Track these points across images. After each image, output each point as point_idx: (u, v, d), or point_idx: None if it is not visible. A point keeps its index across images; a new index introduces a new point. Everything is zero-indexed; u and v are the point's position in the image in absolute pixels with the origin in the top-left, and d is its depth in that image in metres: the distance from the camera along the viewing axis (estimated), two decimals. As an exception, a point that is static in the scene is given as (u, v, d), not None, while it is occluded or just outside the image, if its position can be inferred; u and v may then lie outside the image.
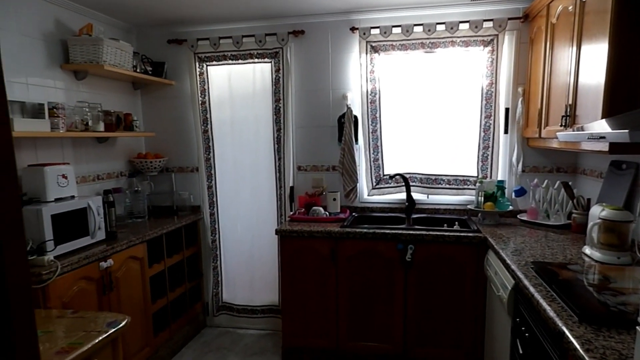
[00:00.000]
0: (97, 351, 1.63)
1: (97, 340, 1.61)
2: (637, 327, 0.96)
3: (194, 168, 3.52)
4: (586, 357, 1.15)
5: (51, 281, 2.03)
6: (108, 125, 2.88)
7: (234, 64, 3.30)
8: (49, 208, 2.20)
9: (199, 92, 3.35)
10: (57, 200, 2.36)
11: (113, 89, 3.19)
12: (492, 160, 3.03)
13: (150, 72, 3.27)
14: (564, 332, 1.31)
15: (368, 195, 3.29)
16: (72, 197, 2.47)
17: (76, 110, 2.68)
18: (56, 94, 2.66)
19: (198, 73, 3.33)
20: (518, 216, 2.96)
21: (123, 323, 1.77)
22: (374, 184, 3.26)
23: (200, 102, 3.36)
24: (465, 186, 3.11)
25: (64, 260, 2.15)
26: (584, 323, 1.34)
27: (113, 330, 1.70)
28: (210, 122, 3.40)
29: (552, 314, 1.43)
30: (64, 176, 2.41)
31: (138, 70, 3.15)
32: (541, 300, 1.54)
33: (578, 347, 1.21)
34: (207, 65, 3.34)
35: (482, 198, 2.91)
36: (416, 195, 3.18)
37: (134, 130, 3.17)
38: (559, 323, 1.36)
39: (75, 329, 1.69)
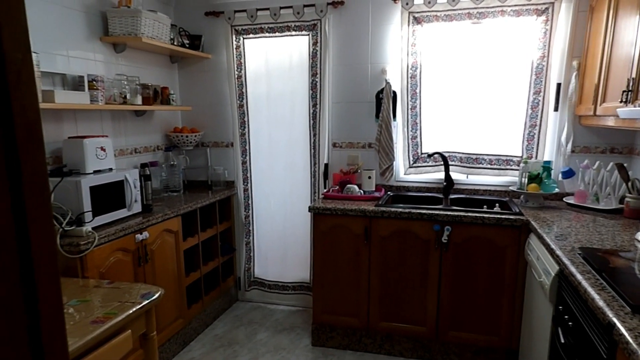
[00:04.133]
0: (132, 321, 1.66)
1: (131, 311, 1.63)
2: None
3: (229, 143, 3.52)
4: (639, 351, 1.05)
5: (89, 251, 2.07)
6: (145, 98, 2.90)
7: (271, 36, 3.23)
8: (87, 180, 2.24)
9: (235, 65, 3.31)
10: (96, 172, 2.40)
11: (151, 62, 3.20)
12: (538, 139, 2.86)
13: (187, 45, 3.26)
14: (614, 324, 1.20)
15: (404, 174, 3.19)
16: (110, 169, 2.50)
17: (115, 83, 2.70)
18: (96, 67, 2.69)
19: (235, 46, 3.29)
20: (564, 199, 2.79)
21: (157, 295, 1.79)
22: (411, 162, 3.15)
23: (236, 76, 3.32)
24: (508, 166, 2.96)
25: (102, 232, 2.19)
26: (638, 314, 1.24)
27: (147, 301, 1.72)
28: (246, 96, 3.37)
29: (601, 303, 1.33)
30: (102, 149, 2.45)
31: (175, 43, 3.14)
32: (589, 289, 1.43)
33: (630, 340, 1.11)
34: (243, 38, 3.29)
35: (526, 179, 2.76)
36: (455, 175, 3.06)
37: (170, 104, 3.18)
38: (609, 313, 1.26)
39: (111, 299, 1.72)
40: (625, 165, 2.49)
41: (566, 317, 1.67)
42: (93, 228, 2.19)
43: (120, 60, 2.90)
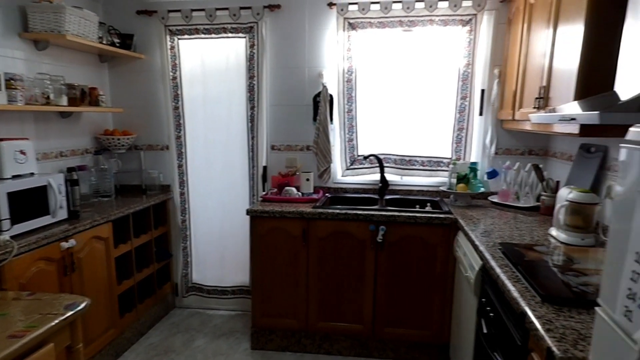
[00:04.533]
0: (54, 334, 1.57)
1: (53, 323, 1.55)
2: (596, 308, 0.96)
3: (164, 146, 3.42)
4: (546, 337, 1.15)
5: (7, 262, 1.94)
6: (72, 99, 2.75)
7: (207, 38, 3.18)
8: (5, 185, 2.09)
9: (170, 66, 3.22)
10: (15, 177, 2.25)
11: (77, 61, 3.04)
12: (466, 141, 3.03)
13: (117, 45, 3.13)
14: (526, 312, 1.31)
15: (342, 176, 3.26)
16: (32, 174, 2.36)
17: (36, 83, 2.54)
18: (14, 65, 2.51)
19: (169, 47, 3.20)
20: (489, 198, 2.98)
21: (82, 305, 1.70)
22: (348, 164, 3.23)
23: (171, 78, 3.24)
24: (439, 168, 3.11)
25: (22, 240, 2.05)
26: (547, 303, 1.35)
27: (71, 312, 1.64)
28: (182, 98, 3.29)
29: (516, 294, 1.44)
30: (22, 152, 2.30)
31: (104, 42, 3.01)
32: (506, 281, 1.55)
33: (539, 327, 1.21)
34: (178, 39, 3.21)
35: (455, 180, 2.91)
36: (390, 177, 3.17)
37: (100, 106, 3.04)
38: (522, 303, 1.36)
39: (32, 312, 1.62)
40: (540, 166, 2.70)
41: (488, 308, 1.79)
42: (12, 236, 2.05)
43: (43, 58, 2.73)
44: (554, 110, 1.80)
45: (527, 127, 2.40)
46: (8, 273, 1.96)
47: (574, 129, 1.73)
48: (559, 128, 1.92)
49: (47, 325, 1.52)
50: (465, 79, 2.94)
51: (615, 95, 1.45)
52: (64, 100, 2.67)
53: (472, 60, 2.90)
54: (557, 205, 2.05)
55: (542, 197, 2.59)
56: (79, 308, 1.67)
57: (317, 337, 2.88)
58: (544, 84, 2.08)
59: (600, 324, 0.93)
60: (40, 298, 1.74)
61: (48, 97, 2.58)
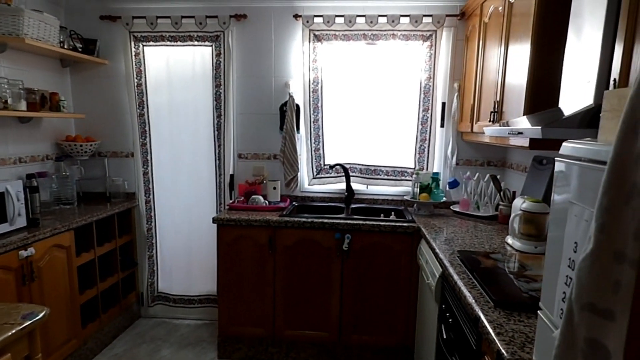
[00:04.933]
0: (11, 344, 1.54)
1: (10, 333, 1.51)
2: (538, 311, 1.03)
3: (128, 153, 3.37)
4: (496, 340, 1.22)
5: (-40, 272, 1.88)
6: (31, 104, 2.68)
7: (173, 45, 3.17)
8: (-41, 193, 2.03)
9: (135, 73, 3.19)
10: (-30, 184, 2.18)
11: (37, 65, 2.97)
12: (428, 152, 3.13)
13: (80, 49, 3.08)
14: (479, 317, 1.38)
15: (309, 185, 3.30)
16: (-12, 181, 2.29)
17: (-6, 87, 2.47)
18: (-30, 69, 2.45)
19: (134, 53, 3.17)
20: (451, 207, 3.08)
21: (41, 315, 1.67)
22: (315, 173, 3.27)
23: (135, 84, 3.21)
24: (403, 177, 3.20)
25: (-23, 249, 1.99)
26: (499, 308, 1.43)
27: (29, 322, 1.60)
28: (147, 105, 3.26)
29: (471, 300, 1.51)
30: (-22, 158, 2.23)
31: (66, 47, 2.95)
32: (463, 287, 1.62)
33: (490, 330, 1.28)
34: (143, 46, 3.19)
35: (418, 189, 3.00)
36: (356, 186, 3.23)
37: (61, 111, 2.97)
38: (476, 308, 1.43)
39: (-13, 322, 1.57)
40: (498, 177, 2.83)
41: (447, 314, 1.86)
42: (-34, 247, 1.99)
43: (1, 61, 2.66)
44: (507, 124, 1.90)
45: (485, 139, 2.51)
46: (-39, 284, 1.89)
47: (525, 142, 1.83)
48: (512, 141, 2.03)
49: (3, 335, 1.48)
50: (427, 92, 3.04)
51: (560, 112, 1.55)
52: (23, 105, 2.61)
53: (433, 74, 3.01)
54: (512, 215, 2.16)
55: (500, 207, 2.71)
56: (37, 317, 1.64)
57: (284, 345, 2.89)
58: (498, 98, 2.20)
59: (542, 326, 1.00)
60: (-4, 309, 1.69)
61: (6, 102, 2.51)
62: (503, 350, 1.17)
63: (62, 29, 2.89)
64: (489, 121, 2.26)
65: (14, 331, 1.53)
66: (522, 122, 1.68)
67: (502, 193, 2.73)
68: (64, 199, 3.03)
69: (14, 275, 2.19)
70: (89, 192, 3.35)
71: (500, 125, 1.97)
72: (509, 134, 1.60)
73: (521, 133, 1.49)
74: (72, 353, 2.66)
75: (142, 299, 3.50)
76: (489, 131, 1.91)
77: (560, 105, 1.60)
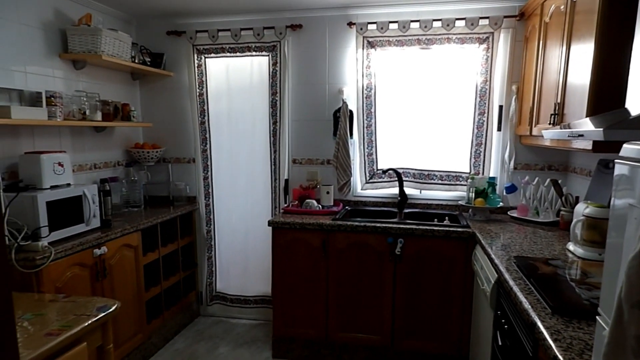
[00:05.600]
0: (87, 334, 1.68)
1: (86, 324, 1.66)
2: (597, 317, 1.00)
3: (190, 159, 3.57)
4: (553, 346, 1.19)
5: (45, 266, 2.08)
6: (106, 114, 2.92)
7: (232, 56, 3.33)
8: (44, 195, 2.25)
9: (197, 83, 3.38)
10: (53, 187, 2.40)
11: (111, 79, 3.23)
12: (484, 156, 3.06)
13: (148, 63, 3.31)
14: (535, 323, 1.34)
15: (361, 189, 3.32)
16: (68, 184, 2.51)
17: (74, 100, 2.72)
18: (55, 83, 2.70)
19: (196, 65, 3.36)
20: (508, 213, 2.99)
21: (113, 308, 1.81)
22: (368, 178, 3.29)
23: (198, 94, 3.39)
24: (458, 182, 3.14)
25: (58, 247, 2.19)
26: (557, 315, 1.38)
27: (103, 314, 1.75)
28: (208, 113, 3.43)
29: (527, 305, 1.47)
30: (60, 164, 2.46)
31: (136, 61, 3.19)
32: (519, 293, 1.58)
33: (547, 336, 1.24)
34: (205, 57, 3.37)
35: (473, 194, 2.94)
36: (409, 190, 3.21)
37: (131, 121, 3.21)
38: (532, 314, 1.40)
39: (66, 313, 1.73)
40: (559, 181, 2.71)
41: (503, 321, 1.81)
42: (50, 243, 2.20)
43: (81, 76, 2.92)
44: (568, 126, 1.84)
45: (545, 142, 2.42)
46: (45, 277, 2.09)
47: (587, 144, 1.76)
48: (575, 144, 1.95)
49: (80, 326, 1.63)
50: (483, 95, 2.98)
51: (626, 112, 1.48)
52: (99, 116, 2.84)
53: (490, 77, 2.94)
54: (574, 220, 2.07)
55: (562, 213, 2.59)
56: (110, 310, 1.78)
57: (337, 347, 2.92)
58: (559, 100, 2.12)
59: (600, 331, 0.97)
60: (74, 300, 1.86)
61: (84, 113, 2.75)
62: (560, 357, 1.14)
63: (133, 45, 3.12)
64: (549, 124, 2.18)
65: (89, 322, 1.68)
66: (585, 124, 1.62)
67: (563, 198, 2.62)
68: (132, 202, 3.26)
69: (89, 271, 2.39)
70: (154, 195, 3.57)
71: (561, 128, 1.90)
72: (569, 136, 1.55)
73: (582, 135, 1.44)
74: (138, 346, 2.84)
75: (201, 298, 3.67)
76: (548, 134, 1.85)
77: (627, 105, 1.53)
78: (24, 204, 2.18)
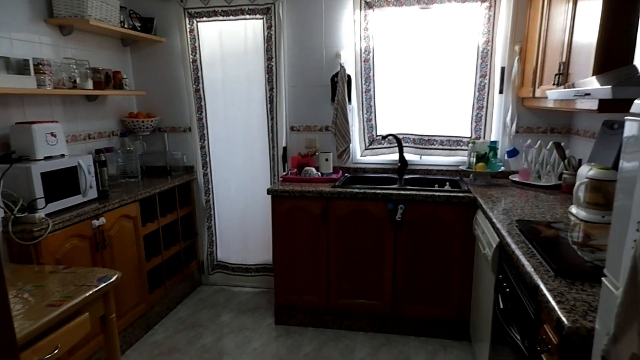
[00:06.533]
0: (89, 304, 1.68)
1: (87, 294, 1.66)
2: (603, 279, 0.98)
3: (186, 128, 3.50)
4: (556, 308, 1.18)
5: (43, 238, 2.06)
6: (97, 83, 2.84)
7: (225, 19, 3.22)
8: (38, 166, 2.20)
9: (190, 49, 3.28)
10: (47, 158, 2.36)
11: (101, 45, 3.12)
12: (485, 120, 3.01)
13: (138, 28, 3.20)
14: (538, 286, 1.33)
15: (361, 156, 3.28)
16: (62, 155, 2.46)
17: (63, 67, 2.63)
18: (42, 50, 2.61)
19: (188, 30, 3.25)
20: (510, 177, 2.96)
21: (114, 278, 1.81)
22: (367, 144, 3.25)
23: (191, 60, 3.30)
24: (458, 147, 3.10)
25: (56, 218, 2.17)
26: (559, 277, 1.37)
27: (104, 284, 1.75)
28: (202, 81, 3.35)
29: (529, 269, 1.46)
30: (52, 134, 2.40)
31: (126, 26, 3.08)
32: (521, 257, 1.57)
33: (550, 299, 1.24)
34: (197, 22, 3.25)
35: (474, 159, 2.91)
36: (409, 156, 3.17)
37: (123, 89, 3.13)
38: (535, 277, 1.39)
39: (67, 284, 1.73)
40: (562, 144, 2.67)
41: (505, 284, 1.81)
42: (47, 214, 2.17)
43: (68, 43, 2.82)
44: (573, 86, 1.78)
45: (548, 104, 2.37)
46: (44, 249, 2.08)
47: (593, 105, 1.71)
48: (579, 105, 1.90)
49: (81, 296, 1.63)
50: (485, 57, 2.90)
51: (634, 69, 1.43)
52: (90, 84, 2.76)
53: (492, 37, 2.85)
54: (577, 183, 2.04)
55: (564, 176, 2.57)
56: (111, 280, 1.78)
57: (339, 314, 2.95)
58: (564, 59, 2.05)
59: (606, 292, 0.96)
60: (74, 271, 1.86)
61: (74, 81, 2.67)
62: (563, 318, 1.13)
63: (121, 9, 3.01)
64: (553, 84, 2.12)
65: (91, 292, 1.67)
66: (591, 83, 1.57)
67: (566, 161, 2.58)
68: (129, 172, 3.22)
69: (88, 242, 2.38)
70: (151, 166, 3.53)
71: (565, 88, 1.84)
72: (574, 96, 1.50)
73: (589, 94, 1.39)
74: (141, 316, 2.87)
75: (202, 268, 3.69)
76: (552, 94, 1.80)
77: (636, 62, 1.47)
78: (18, 175, 2.15)
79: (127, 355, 2.69)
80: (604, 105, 1.68)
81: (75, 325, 1.59)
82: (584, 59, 1.84)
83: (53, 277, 1.81)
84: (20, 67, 2.39)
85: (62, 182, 2.34)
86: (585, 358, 1.09)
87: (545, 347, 1.26)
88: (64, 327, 1.53)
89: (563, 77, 2.04)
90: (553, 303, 1.21)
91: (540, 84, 2.44)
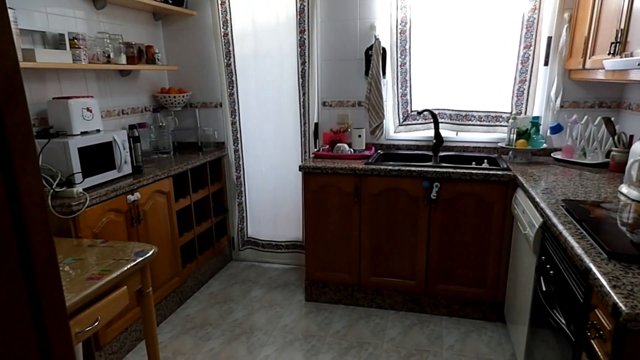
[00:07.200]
0: (127, 278, 1.70)
1: (126, 268, 1.67)
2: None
3: (217, 103, 3.48)
4: (612, 293, 1.10)
5: (81, 212, 2.09)
6: (130, 57, 2.83)
7: (257, -8, 3.14)
8: (75, 141, 2.23)
9: (221, 23, 3.22)
10: (83, 133, 2.38)
11: (133, 19, 3.11)
12: (528, 94, 2.85)
13: (170, 1, 3.16)
14: (590, 269, 1.25)
15: (394, 132, 3.19)
16: (98, 130, 2.48)
17: (97, 42, 2.63)
18: (76, 24, 2.61)
19: (219, 2, 3.19)
20: (552, 154, 2.83)
21: (150, 252, 1.82)
22: (401, 120, 3.15)
23: (222, 34, 3.25)
24: (498, 123, 2.97)
25: (93, 193, 2.20)
26: (613, 260, 1.29)
27: (141, 259, 1.76)
28: (233, 55, 3.30)
29: (579, 251, 1.37)
30: (88, 109, 2.42)
31: None
32: (569, 238, 1.48)
33: (604, 283, 1.16)
34: (228, -6, 3.19)
35: (515, 135, 2.78)
36: (445, 133, 3.07)
37: (156, 64, 3.12)
38: (586, 260, 1.31)
39: (106, 257, 1.75)
40: (612, 119, 2.51)
41: (548, 266, 1.73)
42: (84, 189, 2.20)
43: (101, 17, 2.81)
44: (631, 55, 1.64)
45: (599, 76, 2.22)
46: (82, 223, 2.11)
47: (656, 75, 1.58)
48: (637, 75, 1.76)
49: (120, 270, 1.64)
50: (530, 26, 2.73)
51: None
52: (123, 59, 2.76)
53: (539, 4, 2.68)
54: (630, 160, 1.91)
55: (613, 153, 2.42)
56: (148, 255, 1.79)
57: (370, 292, 2.93)
58: (622, 26, 1.90)
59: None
60: (112, 245, 1.88)
61: (108, 56, 2.67)
62: (621, 304, 1.06)
63: (153, -19, 2.96)
64: (609, 54, 1.97)
65: (129, 266, 1.69)
66: (654, 51, 1.44)
67: (616, 137, 2.43)
68: (161, 148, 3.24)
69: (124, 217, 2.41)
70: (182, 142, 3.54)
71: (622, 57, 1.70)
72: (639, 64, 1.38)
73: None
74: (174, 290, 2.92)
75: (233, 243, 3.72)
76: (610, 64, 1.67)
77: None
78: (56, 150, 2.17)
79: (161, 327, 2.76)
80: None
81: (115, 298, 1.61)
82: (646, 25, 1.69)
83: (91, 250, 1.84)
84: (56, 42, 2.40)
85: (98, 157, 2.36)
86: (645, 347, 1.02)
87: (597, 332, 1.19)
88: (103, 300, 1.55)
89: (620, 45, 1.89)
90: (608, 287, 1.14)
91: (593, 53, 2.27)
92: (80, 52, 2.43)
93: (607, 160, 2.50)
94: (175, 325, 2.79)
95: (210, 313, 2.92)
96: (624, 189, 1.97)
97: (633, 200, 1.86)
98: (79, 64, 2.43)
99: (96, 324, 1.50)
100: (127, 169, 2.59)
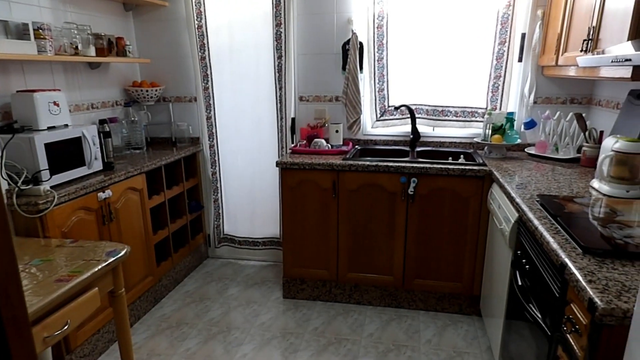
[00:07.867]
0: (98, 279, 1.64)
1: (97, 269, 1.61)
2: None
3: (191, 98, 3.40)
4: (588, 288, 1.12)
5: (48, 211, 2.00)
6: (99, 49, 2.73)
7: (231, -16, 3.07)
8: (41, 136, 2.13)
9: (195, 14, 3.14)
10: (50, 128, 2.28)
11: (102, 9, 2.99)
12: (503, 90, 2.89)
13: (141, -8, 3.06)
14: (566, 264, 1.27)
15: (372, 128, 3.19)
16: (66, 125, 2.39)
17: (64, 32, 2.52)
18: (41, 14, 2.49)
19: (193, -7, 3.11)
20: (526, 150, 2.88)
21: (123, 252, 1.77)
22: (378, 115, 3.15)
23: (196, 27, 3.16)
24: (473, 118, 3.00)
25: (61, 190, 2.11)
26: (588, 255, 1.31)
27: (113, 259, 1.70)
28: (208, 48, 3.22)
29: (555, 245, 1.39)
30: (55, 103, 2.32)
31: (127, -11, 2.94)
32: (545, 233, 1.50)
33: (580, 278, 1.18)
34: (202, -15, 3.11)
35: (490, 131, 2.81)
36: (421, 128, 3.08)
37: (127, 56, 3.01)
38: (562, 255, 1.32)
39: (75, 258, 1.69)
40: (583, 115, 2.57)
41: (524, 261, 1.76)
42: (52, 187, 2.11)
43: (68, 6, 2.69)
44: (603, 52, 1.67)
45: (571, 72, 2.26)
46: (50, 222, 2.03)
47: (626, 72, 1.61)
48: (609, 72, 1.79)
49: (91, 271, 1.58)
50: (505, 22, 2.76)
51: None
52: (92, 51, 2.65)
53: (513, 1, 2.71)
54: (602, 156, 1.95)
55: (584, 149, 2.48)
56: (120, 255, 1.73)
57: (348, 287, 2.93)
58: (594, 24, 1.93)
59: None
60: (82, 245, 1.81)
61: (76, 48, 2.56)
62: (597, 299, 1.07)
63: (122, -29, 2.86)
64: (581, 51, 2.01)
65: (100, 267, 1.63)
66: (625, 48, 1.46)
67: (587, 133, 2.49)
68: (133, 143, 3.14)
69: (95, 215, 2.32)
70: (156, 137, 3.45)
71: (594, 55, 1.73)
72: (612, 62, 1.40)
73: (629, 60, 1.29)
74: (148, 289, 2.85)
75: (209, 241, 3.66)
76: (583, 61, 1.69)
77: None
78: (21, 146, 2.08)
79: (135, 328, 2.69)
80: (638, 72, 1.58)
81: (85, 301, 1.55)
82: (618, 23, 1.72)
83: (60, 251, 1.76)
84: (19, 32, 2.28)
85: (66, 153, 2.27)
86: (620, 340, 1.04)
87: (573, 327, 1.21)
88: (73, 303, 1.49)
89: (592, 42, 1.93)
90: (584, 283, 1.15)
91: (565, 50, 2.31)
92: (46, 43, 2.32)
93: (579, 155, 2.56)
94: (150, 325, 2.73)
95: (186, 312, 2.87)
96: (595, 183, 2.02)
97: (604, 195, 1.90)
98: (44, 55, 2.32)
99: (66, 327, 1.44)
100: (98, 165, 2.49)
